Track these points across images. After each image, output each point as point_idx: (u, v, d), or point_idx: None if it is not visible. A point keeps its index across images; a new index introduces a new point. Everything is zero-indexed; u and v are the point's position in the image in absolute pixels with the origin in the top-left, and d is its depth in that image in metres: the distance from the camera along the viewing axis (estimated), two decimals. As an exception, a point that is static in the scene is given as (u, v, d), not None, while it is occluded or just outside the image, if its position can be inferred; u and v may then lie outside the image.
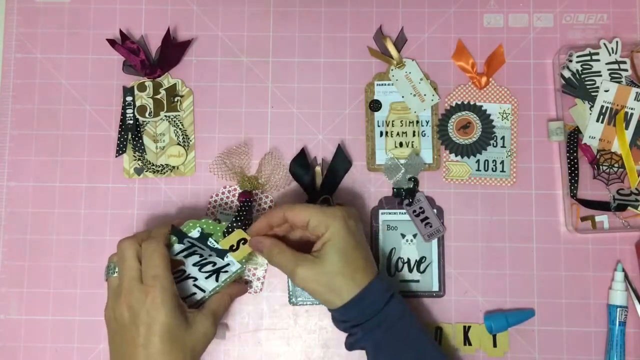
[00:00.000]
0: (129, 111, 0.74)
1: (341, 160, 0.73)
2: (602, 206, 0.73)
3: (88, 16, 0.77)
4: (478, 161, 0.74)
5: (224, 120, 0.75)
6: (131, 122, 0.74)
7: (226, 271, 0.67)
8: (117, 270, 0.63)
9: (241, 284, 0.71)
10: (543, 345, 0.72)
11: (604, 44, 0.72)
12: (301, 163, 0.73)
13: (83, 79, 0.76)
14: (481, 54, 0.75)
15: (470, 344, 0.71)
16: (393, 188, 0.73)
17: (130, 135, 0.74)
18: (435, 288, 0.72)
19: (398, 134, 0.74)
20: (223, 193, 0.73)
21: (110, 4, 0.77)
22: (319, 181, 0.73)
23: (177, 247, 0.66)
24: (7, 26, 0.76)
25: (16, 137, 0.75)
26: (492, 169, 0.74)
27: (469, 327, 0.72)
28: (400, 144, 0.74)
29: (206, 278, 0.67)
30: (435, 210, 0.73)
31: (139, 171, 0.74)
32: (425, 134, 0.74)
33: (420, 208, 0.73)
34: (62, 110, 0.75)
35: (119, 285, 0.62)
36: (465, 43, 0.75)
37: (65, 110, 0.75)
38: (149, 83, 0.75)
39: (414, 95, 0.74)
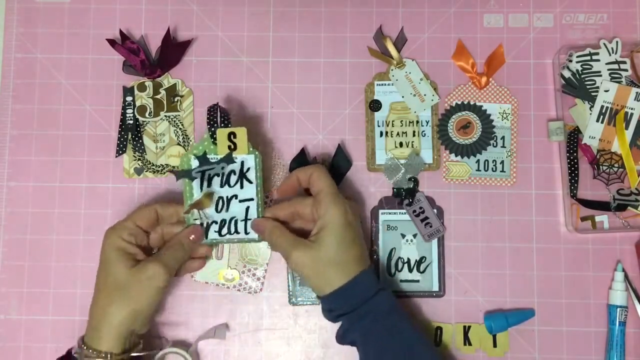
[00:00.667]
0: (129, 111, 0.74)
1: (341, 160, 0.73)
2: (602, 206, 0.73)
3: (88, 16, 0.76)
4: (478, 161, 0.74)
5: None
6: (131, 122, 0.74)
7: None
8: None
9: (198, 228, 0.67)
10: (543, 345, 0.72)
11: (604, 44, 0.72)
12: (301, 163, 0.73)
13: (83, 79, 0.76)
14: (481, 54, 0.75)
15: (470, 344, 0.71)
16: (393, 188, 0.73)
17: (130, 135, 0.74)
18: (436, 288, 0.72)
19: (398, 134, 0.74)
20: None
21: (110, 4, 0.77)
22: None
23: (196, 186, 0.67)
24: (7, 26, 0.76)
25: (16, 137, 0.75)
26: (492, 169, 0.74)
27: (469, 327, 0.72)
28: (400, 144, 0.74)
29: (241, 188, 0.67)
30: (435, 210, 0.73)
31: (139, 171, 0.74)
32: (425, 134, 0.74)
33: (420, 208, 0.73)
34: (62, 110, 0.75)
35: None
36: (465, 43, 0.75)
37: (65, 110, 0.75)
38: (149, 83, 0.75)
39: (414, 95, 0.74)
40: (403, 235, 0.73)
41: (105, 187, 0.74)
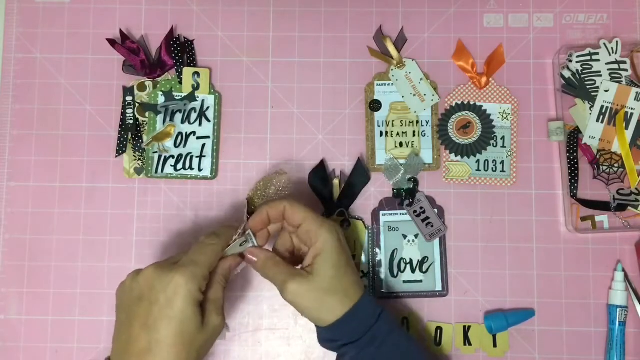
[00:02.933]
0: (129, 111, 0.74)
1: (360, 175, 0.73)
2: (602, 206, 0.73)
3: (88, 16, 0.76)
4: (478, 161, 0.74)
5: (224, 120, 0.75)
6: (131, 122, 0.74)
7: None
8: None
9: (237, 257, 0.63)
10: (543, 345, 0.72)
11: (604, 44, 0.72)
12: (320, 175, 0.72)
13: (83, 79, 0.76)
14: (481, 54, 0.75)
15: (470, 344, 0.71)
16: (393, 189, 0.73)
17: (130, 135, 0.74)
18: (439, 287, 0.72)
19: (398, 134, 0.74)
20: None
21: (110, 4, 0.77)
22: (337, 194, 0.73)
23: (159, 120, 0.73)
24: (7, 26, 0.76)
25: (16, 137, 0.75)
26: (492, 169, 0.74)
27: (469, 327, 0.72)
28: (400, 144, 0.74)
29: (199, 125, 0.73)
30: (436, 210, 0.73)
31: (139, 171, 0.74)
32: (425, 134, 0.74)
33: (421, 208, 0.73)
34: (62, 110, 0.75)
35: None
36: (465, 43, 0.75)
37: (65, 110, 0.75)
38: (149, 83, 0.75)
39: (414, 95, 0.74)
40: (405, 236, 0.73)
41: (105, 187, 0.74)
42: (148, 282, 0.56)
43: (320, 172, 0.73)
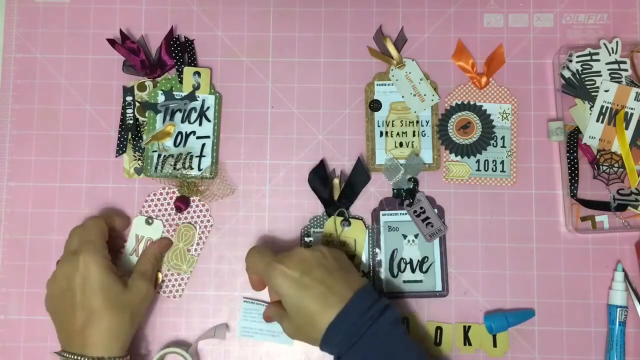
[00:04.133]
0: (129, 111, 0.74)
1: (360, 174, 0.73)
2: (602, 206, 0.73)
3: (88, 16, 0.76)
4: (478, 161, 0.74)
5: (224, 120, 0.75)
6: (131, 122, 0.74)
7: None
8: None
9: (164, 239, 0.72)
10: (543, 345, 0.72)
11: (604, 44, 0.72)
12: (320, 175, 0.72)
13: (83, 79, 0.76)
14: (481, 54, 0.75)
15: (470, 344, 0.71)
16: (393, 189, 0.73)
17: (130, 135, 0.74)
18: (439, 288, 0.72)
19: (398, 134, 0.74)
20: (161, 194, 0.73)
21: (110, 4, 0.77)
22: (337, 193, 0.73)
23: (159, 119, 0.73)
24: (7, 26, 0.76)
25: (16, 137, 0.75)
26: (492, 169, 0.74)
27: (469, 327, 0.72)
28: (400, 144, 0.74)
29: (199, 125, 0.73)
30: (436, 210, 0.73)
31: (139, 171, 0.74)
32: (425, 134, 0.74)
33: (421, 208, 0.73)
34: (62, 110, 0.75)
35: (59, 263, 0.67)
36: (465, 43, 0.75)
37: (65, 110, 0.75)
38: (149, 83, 0.75)
39: (414, 95, 0.74)
40: (404, 236, 0.73)
41: (105, 187, 0.74)
42: (62, 275, 0.64)
43: (320, 172, 0.73)
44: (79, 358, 0.62)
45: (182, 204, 0.72)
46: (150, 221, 0.72)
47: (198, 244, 0.73)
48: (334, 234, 0.72)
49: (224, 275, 0.73)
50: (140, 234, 0.72)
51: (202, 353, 0.72)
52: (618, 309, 0.70)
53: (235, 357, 0.72)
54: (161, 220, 0.73)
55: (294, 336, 0.65)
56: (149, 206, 0.73)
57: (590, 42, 0.75)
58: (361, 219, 0.73)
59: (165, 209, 0.73)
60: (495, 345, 0.71)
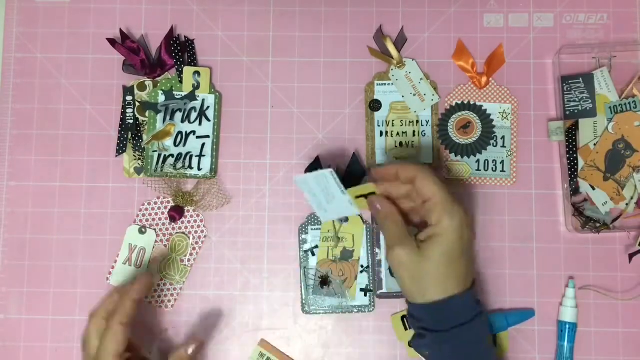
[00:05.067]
0: (129, 111, 0.74)
1: (356, 169, 0.72)
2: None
3: (88, 16, 0.77)
4: (478, 161, 0.74)
5: (224, 119, 0.75)
6: (131, 121, 0.74)
7: None
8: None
9: (142, 280, 0.65)
10: (543, 345, 0.71)
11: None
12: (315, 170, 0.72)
13: (83, 79, 0.76)
14: (481, 53, 0.75)
15: (470, 344, 0.71)
16: (393, 188, 0.73)
17: (130, 135, 0.74)
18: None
19: (398, 133, 0.74)
20: (155, 203, 0.73)
21: (110, 4, 0.77)
22: None
23: (159, 119, 0.73)
24: (7, 26, 0.76)
25: (16, 137, 0.75)
26: (492, 168, 0.74)
27: (469, 327, 0.72)
28: (400, 144, 0.74)
29: (199, 125, 0.73)
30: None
31: (139, 171, 0.74)
32: (425, 133, 0.74)
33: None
34: (62, 110, 0.75)
35: None
36: (465, 43, 0.75)
37: (65, 110, 0.75)
38: (149, 82, 0.75)
39: (414, 95, 0.74)
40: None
41: (105, 187, 0.74)
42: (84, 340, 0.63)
43: (316, 168, 0.73)
44: None
45: (176, 213, 0.72)
46: (143, 230, 0.72)
47: (192, 254, 0.73)
48: (331, 230, 0.72)
49: (224, 275, 0.73)
50: (133, 243, 0.72)
51: (203, 353, 0.72)
52: (567, 326, 0.70)
53: (235, 357, 0.72)
54: (154, 229, 0.72)
55: (399, 267, 0.59)
56: (143, 215, 0.73)
57: (590, 42, 0.75)
58: (358, 215, 0.73)
59: (160, 219, 0.73)
60: (495, 345, 0.71)
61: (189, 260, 0.72)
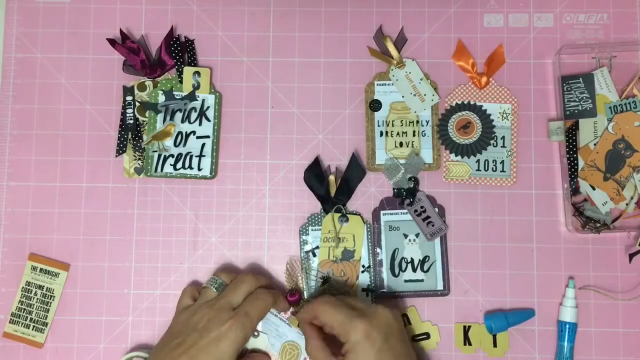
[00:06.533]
0: (129, 111, 0.74)
1: (355, 169, 0.73)
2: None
3: (88, 16, 0.76)
4: (478, 161, 0.74)
5: (224, 120, 0.75)
6: (131, 121, 0.74)
7: None
8: (220, 289, 0.66)
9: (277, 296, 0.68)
10: (543, 345, 0.72)
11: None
12: (315, 172, 0.72)
13: (83, 79, 0.76)
14: (481, 53, 0.75)
15: (470, 344, 0.71)
16: (393, 189, 0.73)
17: (130, 135, 0.74)
18: (440, 287, 0.72)
19: (398, 133, 0.74)
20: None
21: (110, 4, 0.77)
22: (333, 190, 0.73)
23: (159, 119, 0.73)
24: (7, 26, 0.76)
25: (16, 137, 0.75)
26: (492, 168, 0.74)
27: (469, 327, 0.72)
28: (400, 144, 0.74)
29: (199, 125, 0.73)
30: (436, 209, 0.73)
31: (139, 171, 0.74)
32: (425, 133, 0.74)
33: (422, 207, 0.73)
34: (62, 110, 0.75)
35: (214, 299, 0.65)
36: (465, 43, 0.75)
37: (65, 110, 0.75)
38: (149, 83, 0.75)
39: (414, 95, 0.74)
40: (405, 235, 0.73)
41: (105, 187, 0.74)
42: (208, 316, 0.63)
43: (315, 169, 0.73)
44: None
45: (294, 298, 0.70)
46: (256, 334, 0.70)
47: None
48: (332, 231, 0.72)
49: (224, 275, 0.73)
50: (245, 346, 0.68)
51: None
52: (567, 326, 0.70)
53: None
54: (266, 334, 0.71)
55: None
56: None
57: (590, 42, 0.75)
58: (359, 214, 0.73)
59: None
60: (495, 345, 0.71)
61: None
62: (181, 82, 0.74)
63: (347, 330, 0.61)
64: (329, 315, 0.63)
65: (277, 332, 0.70)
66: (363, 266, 0.72)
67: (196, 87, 0.74)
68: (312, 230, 0.73)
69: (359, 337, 0.60)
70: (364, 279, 0.72)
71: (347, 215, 0.72)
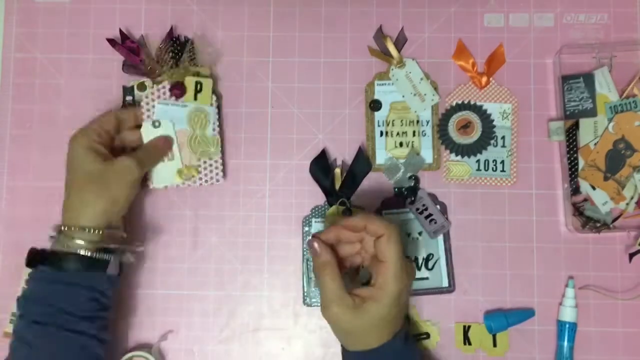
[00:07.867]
0: (129, 111, 0.74)
1: (361, 163, 0.73)
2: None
3: (88, 16, 0.76)
4: (478, 161, 0.74)
5: (225, 120, 0.75)
6: (131, 122, 0.74)
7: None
8: None
9: (166, 139, 0.71)
10: (543, 345, 0.72)
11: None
12: (322, 165, 0.73)
13: (83, 79, 0.76)
14: (481, 53, 0.75)
15: (470, 344, 0.71)
16: (394, 188, 0.73)
17: (130, 135, 0.74)
18: (445, 284, 0.72)
19: (398, 133, 0.74)
20: (152, 94, 0.72)
21: (110, 4, 0.77)
22: (338, 183, 0.73)
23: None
24: (7, 26, 0.76)
25: (16, 137, 0.75)
26: (493, 168, 0.74)
27: (469, 327, 0.72)
28: (400, 144, 0.74)
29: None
30: (438, 207, 0.73)
31: (139, 171, 0.74)
32: (425, 133, 0.74)
33: (423, 205, 0.73)
34: (62, 110, 0.75)
35: None
36: (465, 43, 0.75)
37: (65, 110, 0.75)
38: (149, 83, 0.75)
39: (414, 94, 0.74)
40: (408, 234, 0.73)
41: (105, 187, 0.74)
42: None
43: (322, 161, 0.73)
44: (59, 229, 0.64)
45: (178, 89, 0.71)
46: (157, 124, 0.71)
47: (214, 122, 0.72)
48: None
49: (223, 275, 0.73)
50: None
51: (203, 353, 0.72)
52: (567, 326, 0.70)
53: (235, 357, 0.72)
54: (166, 119, 0.71)
55: (335, 323, 0.60)
56: (148, 110, 0.71)
57: (590, 42, 0.75)
58: (362, 208, 0.73)
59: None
60: (495, 345, 0.71)
61: (214, 130, 0.72)
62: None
63: (393, 278, 0.59)
64: (394, 253, 0.59)
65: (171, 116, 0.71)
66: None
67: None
68: (314, 222, 0.73)
69: (398, 292, 0.59)
70: (364, 273, 0.72)
71: (351, 208, 0.72)
